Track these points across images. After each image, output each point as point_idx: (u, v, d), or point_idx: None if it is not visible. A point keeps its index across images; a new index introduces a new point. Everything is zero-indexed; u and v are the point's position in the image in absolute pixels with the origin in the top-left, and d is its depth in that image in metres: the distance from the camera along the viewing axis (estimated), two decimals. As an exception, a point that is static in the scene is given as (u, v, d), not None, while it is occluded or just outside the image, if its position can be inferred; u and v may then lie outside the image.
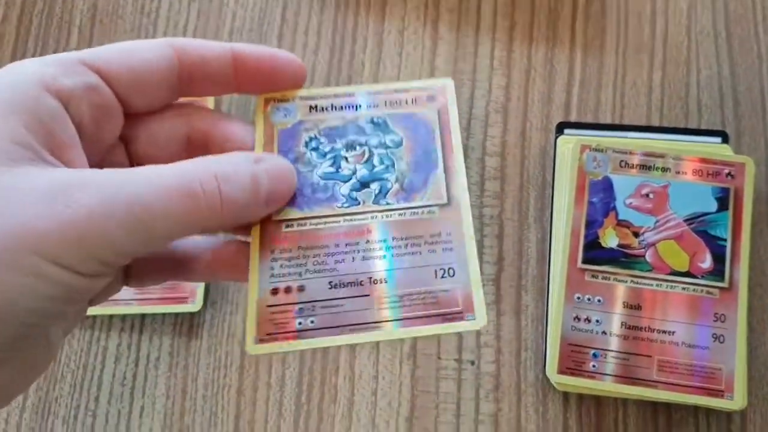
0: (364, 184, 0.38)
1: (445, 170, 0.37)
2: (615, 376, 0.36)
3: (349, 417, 0.40)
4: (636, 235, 0.36)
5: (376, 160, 0.38)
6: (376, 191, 0.38)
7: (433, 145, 0.38)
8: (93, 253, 0.21)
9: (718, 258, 0.36)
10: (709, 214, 0.36)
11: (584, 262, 0.37)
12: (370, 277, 0.34)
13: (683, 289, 0.36)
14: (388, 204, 0.37)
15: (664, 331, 0.36)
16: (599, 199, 0.37)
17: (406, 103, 0.38)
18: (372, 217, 0.36)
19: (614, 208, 0.37)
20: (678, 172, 0.37)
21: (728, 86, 0.42)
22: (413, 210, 0.36)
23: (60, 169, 0.22)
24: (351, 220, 0.36)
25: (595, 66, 0.43)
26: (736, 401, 0.35)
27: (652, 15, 0.44)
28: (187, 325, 0.41)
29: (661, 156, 0.37)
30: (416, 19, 0.45)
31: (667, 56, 0.43)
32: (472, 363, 0.40)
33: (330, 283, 0.34)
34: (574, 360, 0.36)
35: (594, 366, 0.36)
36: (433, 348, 0.40)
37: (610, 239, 0.36)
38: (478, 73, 0.44)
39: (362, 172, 0.38)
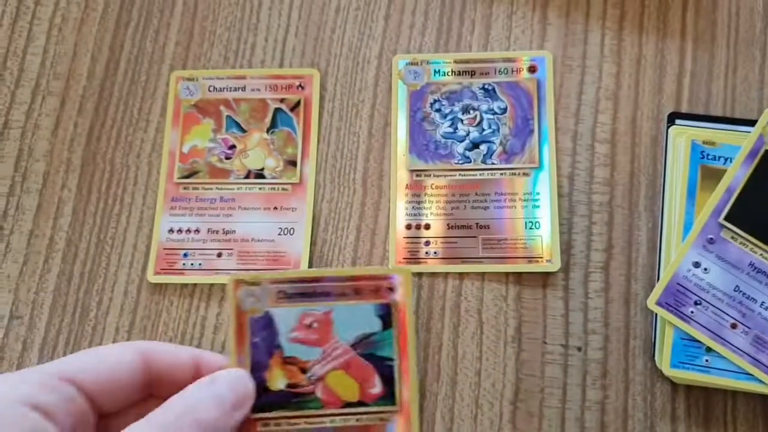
0: (475, 145, 0.43)
1: (539, 137, 0.43)
2: None
3: (452, 396, 0.39)
4: (304, 371, 0.33)
5: (485, 124, 0.44)
6: (484, 152, 0.43)
7: (531, 114, 0.43)
8: None
9: (387, 380, 0.33)
10: (375, 334, 0.33)
11: (255, 410, 0.32)
12: (477, 223, 0.42)
13: (357, 420, 0.33)
14: (493, 164, 0.43)
15: None
16: (262, 339, 0.33)
17: (512, 72, 0.43)
18: (480, 174, 0.43)
19: (279, 345, 0.33)
20: (341, 295, 0.33)
21: (840, 85, 0.42)
22: (512, 170, 0.43)
23: None
24: (464, 175, 0.43)
25: (705, 58, 0.43)
26: None
27: (765, 11, 0.44)
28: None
29: (317, 280, 0.34)
30: (525, 3, 0.45)
31: (779, 52, 0.43)
32: (579, 349, 0.39)
33: (448, 224, 0.42)
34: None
35: None
36: (538, 332, 0.40)
37: (278, 381, 0.33)
38: (587, 60, 0.43)
39: (474, 134, 0.43)
